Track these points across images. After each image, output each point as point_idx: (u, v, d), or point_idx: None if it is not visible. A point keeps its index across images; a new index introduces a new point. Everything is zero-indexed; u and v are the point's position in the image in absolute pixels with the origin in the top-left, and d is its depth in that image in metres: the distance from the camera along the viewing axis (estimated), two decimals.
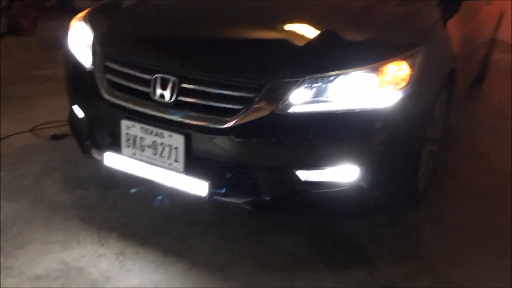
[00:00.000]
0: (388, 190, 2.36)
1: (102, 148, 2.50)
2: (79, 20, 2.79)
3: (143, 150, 2.29)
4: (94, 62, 2.48)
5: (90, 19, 2.71)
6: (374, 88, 2.15)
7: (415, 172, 2.53)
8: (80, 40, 2.66)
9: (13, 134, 3.39)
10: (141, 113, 2.27)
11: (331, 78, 2.13)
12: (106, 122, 2.47)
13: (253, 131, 2.13)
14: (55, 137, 3.43)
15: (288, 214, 2.57)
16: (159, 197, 2.71)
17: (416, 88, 2.22)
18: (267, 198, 2.22)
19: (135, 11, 2.71)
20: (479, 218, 2.85)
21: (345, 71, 2.14)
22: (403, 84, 2.19)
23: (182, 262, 2.30)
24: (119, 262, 2.27)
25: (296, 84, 2.10)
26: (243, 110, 2.12)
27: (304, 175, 2.19)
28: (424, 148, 2.56)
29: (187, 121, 2.19)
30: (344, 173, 2.19)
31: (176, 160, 2.22)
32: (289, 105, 2.11)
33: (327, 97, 2.13)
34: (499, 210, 2.96)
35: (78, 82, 2.63)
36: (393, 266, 2.38)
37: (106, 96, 2.38)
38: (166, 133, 2.20)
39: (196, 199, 2.55)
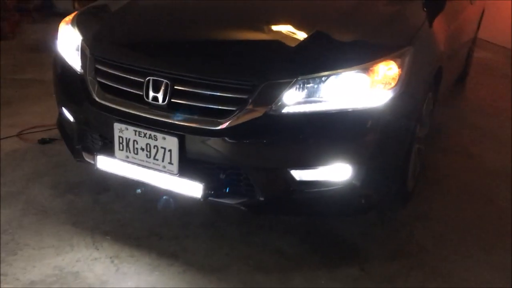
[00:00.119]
0: (380, 188, 2.40)
1: (93, 151, 2.49)
2: (67, 23, 2.78)
3: (136, 153, 2.28)
4: (84, 66, 2.47)
5: (78, 23, 2.70)
6: (365, 88, 2.18)
7: (405, 170, 2.58)
8: (68, 43, 2.65)
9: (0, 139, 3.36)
10: (134, 115, 2.26)
11: (323, 78, 2.16)
12: (98, 126, 2.46)
13: (247, 132, 2.14)
14: (43, 142, 3.40)
15: (283, 214, 2.59)
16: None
17: (406, 87, 2.26)
18: (262, 199, 2.23)
19: (124, 14, 2.69)
20: (466, 214, 2.91)
21: (337, 71, 2.16)
22: (393, 83, 2.22)
23: (177, 264, 2.30)
24: (115, 265, 2.27)
25: (288, 84, 2.12)
26: (237, 112, 2.13)
27: (298, 175, 2.21)
28: (413, 146, 2.60)
29: (180, 123, 2.18)
30: (337, 172, 2.22)
31: (170, 163, 2.22)
32: (282, 106, 2.13)
33: (319, 97, 2.16)
34: (485, 205, 3.02)
35: (68, 86, 2.62)
36: (386, 263, 2.42)
37: (98, 99, 2.37)
38: (159, 135, 2.20)
39: (189, 201, 2.58)
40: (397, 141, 2.36)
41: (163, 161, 2.23)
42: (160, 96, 2.22)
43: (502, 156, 3.69)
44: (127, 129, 2.27)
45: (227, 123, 2.13)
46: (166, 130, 2.19)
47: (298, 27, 2.44)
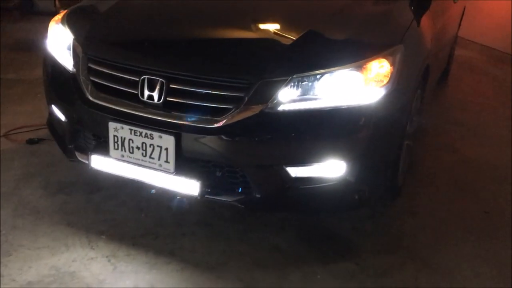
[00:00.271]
0: (373, 183, 2.44)
1: (87, 151, 2.48)
2: (57, 22, 2.76)
3: (132, 152, 2.29)
4: (76, 65, 2.46)
5: (68, 22, 2.69)
6: (358, 85, 2.22)
7: (396, 166, 2.63)
8: (59, 42, 2.64)
9: None
10: (129, 114, 2.26)
11: (318, 76, 2.19)
12: (92, 125, 2.45)
13: (243, 130, 2.16)
14: (31, 142, 3.37)
15: (279, 211, 2.62)
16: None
17: (397, 84, 2.31)
18: (258, 196, 2.25)
19: (117, 13, 2.68)
20: (454, 208, 2.98)
21: (331, 69, 2.20)
22: (385, 81, 2.26)
23: (175, 262, 2.31)
24: (111, 264, 2.27)
25: (284, 82, 2.15)
26: (233, 110, 2.15)
27: (293, 171, 2.24)
28: (404, 142, 2.65)
29: (177, 121, 2.19)
30: (332, 168, 2.25)
31: (166, 161, 2.23)
32: (278, 104, 2.15)
33: (314, 95, 2.19)
34: (471, 198, 3.10)
35: (60, 85, 2.60)
36: (380, 257, 2.46)
37: (91, 98, 2.36)
38: (156, 134, 2.20)
39: (184, 199, 2.59)
40: (389, 137, 2.40)
41: (159, 159, 2.24)
42: (155, 95, 2.22)
43: (487, 152, 3.78)
44: (122, 128, 2.27)
45: (223, 121, 2.15)
46: (162, 128, 2.20)
47: (292, 26, 2.47)
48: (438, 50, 3.45)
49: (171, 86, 2.21)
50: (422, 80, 2.80)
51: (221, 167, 2.27)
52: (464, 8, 5.17)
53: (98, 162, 2.41)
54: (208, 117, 2.17)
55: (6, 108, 3.91)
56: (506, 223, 2.85)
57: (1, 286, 2.11)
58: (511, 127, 4.28)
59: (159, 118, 2.21)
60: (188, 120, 2.18)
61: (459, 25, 5.19)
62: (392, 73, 2.29)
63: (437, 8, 3.25)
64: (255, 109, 2.15)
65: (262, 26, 2.52)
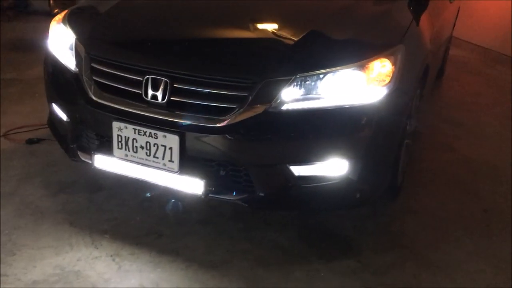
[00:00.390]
0: (374, 182, 2.46)
1: (90, 150, 2.48)
2: (58, 22, 2.75)
3: (135, 151, 2.29)
4: (79, 65, 2.46)
5: (69, 21, 2.68)
6: (361, 85, 2.24)
7: (397, 164, 2.65)
8: (60, 42, 2.64)
9: None
10: (133, 114, 2.27)
11: (321, 75, 2.21)
12: (95, 124, 2.46)
13: (247, 129, 2.17)
14: (31, 142, 3.36)
15: (282, 209, 2.64)
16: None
17: (399, 84, 2.33)
18: (262, 194, 2.27)
19: (119, 12, 2.68)
20: (453, 206, 3.01)
21: (334, 69, 2.22)
22: (387, 80, 2.29)
23: (179, 261, 2.32)
24: (116, 263, 2.28)
25: (287, 82, 2.17)
26: (237, 109, 2.16)
27: (296, 170, 2.26)
28: (404, 141, 2.68)
29: (181, 121, 2.21)
30: (334, 167, 2.28)
31: (170, 160, 2.24)
32: (282, 103, 2.17)
33: (317, 94, 2.21)
34: (470, 197, 3.13)
35: (62, 85, 2.60)
36: (381, 255, 2.49)
37: (95, 98, 2.37)
38: (160, 133, 2.21)
39: (185, 199, 2.60)
40: (391, 136, 2.43)
41: (163, 159, 2.25)
42: (159, 94, 2.23)
43: (485, 151, 3.81)
44: (126, 127, 2.27)
45: (227, 121, 2.16)
46: (166, 128, 2.21)
47: (294, 25, 2.49)
48: (436, 49, 3.48)
49: (175, 85, 2.22)
50: (422, 79, 2.83)
51: (225, 166, 2.29)
52: (459, 8, 5.21)
53: (102, 162, 2.42)
54: (212, 117, 2.18)
55: (4, 108, 3.89)
56: (505, 221, 2.89)
57: (7, 286, 2.11)
58: (510, 126, 4.32)
59: (163, 118, 2.23)
60: (193, 120, 2.20)
61: (454, 25, 5.23)
62: (393, 73, 2.31)
63: (434, 8, 3.28)
64: (259, 109, 2.16)
65: (265, 26, 2.53)
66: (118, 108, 2.31)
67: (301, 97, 2.20)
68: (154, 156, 2.27)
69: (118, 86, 2.34)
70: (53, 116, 2.78)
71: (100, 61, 2.40)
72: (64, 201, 2.72)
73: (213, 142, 2.20)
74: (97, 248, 2.37)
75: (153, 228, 2.55)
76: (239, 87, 2.18)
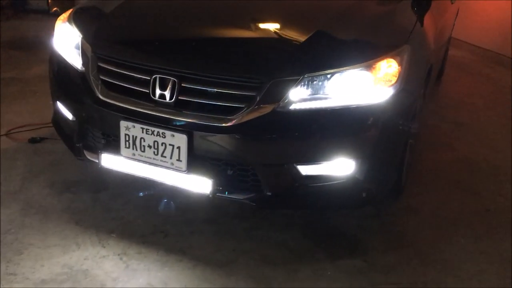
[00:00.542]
0: (380, 181, 2.48)
1: (96, 150, 2.49)
2: (64, 21, 2.75)
3: (143, 150, 2.30)
4: (85, 64, 2.46)
5: (75, 20, 2.69)
6: (368, 85, 2.25)
7: (401, 164, 2.67)
8: (66, 41, 2.64)
9: None
10: (141, 113, 2.27)
11: (328, 75, 2.22)
12: (102, 124, 2.46)
13: (255, 129, 2.18)
14: (33, 141, 3.35)
15: (289, 208, 2.66)
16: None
17: (405, 84, 2.35)
18: (269, 194, 2.28)
19: (125, 11, 2.68)
20: (455, 206, 3.03)
21: (341, 69, 2.23)
22: (393, 80, 2.30)
23: (186, 260, 2.33)
24: (124, 262, 2.28)
25: (295, 82, 2.18)
26: (245, 109, 2.17)
27: (304, 170, 2.27)
28: (409, 141, 2.70)
29: (189, 120, 2.21)
30: (341, 166, 2.29)
31: (178, 160, 2.24)
32: (289, 103, 2.18)
33: (324, 94, 2.22)
34: (472, 197, 3.15)
35: (68, 84, 2.60)
36: (386, 254, 2.51)
37: (102, 97, 2.37)
38: (168, 132, 2.22)
39: (190, 198, 2.61)
40: (397, 136, 2.44)
41: (171, 158, 2.26)
42: (167, 94, 2.23)
43: (485, 151, 3.83)
44: (134, 126, 2.28)
45: (235, 120, 2.17)
46: (174, 127, 2.21)
47: (301, 26, 2.51)
48: (438, 50, 3.50)
49: (183, 85, 2.23)
50: (426, 79, 2.85)
51: (233, 165, 2.29)
52: (458, 9, 5.24)
53: (108, 161, 2.42)
54: (220, 116, 2.19)
55: (5, 107, 3.88)
56: (507, 221, 2.91)
57: (15, 285, 2.11)
58: (510, 126, 4.35)
59: (171, 117, 2.23)
60: (200, 119, 2.20)
61: (453, 25, 5.26)
62: (400, 73, 2.33)
63: (437, 9, 3.30)
64: (267, 108, 2.17)
65: (272, 26, 2.54)
66: (125, 107, 2.31)
67: (309, 97, 2.21)
68: (161, 155, 2.27)
69: (125, 85, 2.34)
70: (58, 115, 2.78)
71: (107, 60, 2.40)
72: (69, 200, 2.73)
73: (221, 142, 2.21)
74: (104, 247, 2.37)
75: (159, 227, 2.55)
76: (247, 87, 2.19)
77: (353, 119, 2.25)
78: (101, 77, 2.40)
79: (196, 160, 2.26)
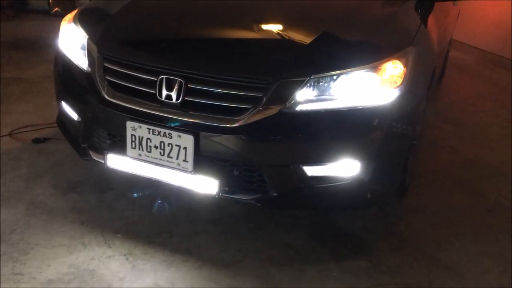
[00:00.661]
0: (385, 182, 2.49)
1: (102, 150, 2.49)
2: (69, 21, 2.76)
3: (149, 151, 2.30)
4: (91, 64, 2.47)
5: (81, 21, 2.69)
6: (373, 86, 2.26)
7: (406, 165, 2.68)
8: (72, 42, 2.64)
9: None
10: (147, 114, 2.28)
11: (334, 77, 2.23)
12: (108, 124, 2.46)
13: (262, 129, 2.19)
14: (37, 141, 3.36)
15: (294, 209, 2.66)
16: (159, 201, 2.73)
17: (410, 86, 2.36)
18: (275, 194, 2.29)
19: (131, 12, 2.69)
20: (458, 207, 3.05)
21: (347, 70, 2.24)
22: (399, 82, 2.31)
23: (192, 260, 2.34)
24: (130, 262, 2.29)
25: (302, 83, 2.19)
26: (251, 110, 2.18)
27: (310, 170, 2.28)
28: (413, 142, 2.71)
29: (195, 121, 2.21)
30: (347, 167, 2.30)
31: (185, 160, 2.25)
32: (296, 104, 2.19)
33: (330, 95, 2.23)
34: (474, 198, 3.17)
35: (73, 84, 2.60)
36: (391, 255, 2.52)
37: (108, 97, 2.37)
38: (174, 133, 2.22)
39: (193, 198, 2.61)
40: (402, 138, 2.45)
41: (177, 158, 2.26)
42: (173, 94, 2.24)
43: (487, 152, 3.85)
44: (140, 127, 2.28)
45: (242, 121, 2.18)
46: (181, 128, 2.22)
47: (306, 27, 2.52)
48: (440, 51, 3.52)
49: (189, 86, 2.23)
50: (430, 81, 2.86)
51: (239, 166, 2.30)
52: (459, 11, 5.26)
53: (114, 161, 2.42)
54: (227, 117, 2.19)
55: (7, 107, 3.89)
56: (509, 221, 2.92)
57: (22, 285, 2.11)
58: (510, 128, 4.36)
59: (178, 118, 2.23)
60: (207, 120, 2.21)
61: (454, 27, 5.28)
62: (405, 74, 2.34)
63: (439, 11, 3.31)
64: (274, 109, 2.18)
65: (279, 27, 2.54)
66: (131, 108, 2.31)
67: (315, 98, 2.22)
68: (168, 156, 2.28)
69: (131, 86, 2.35)
70: (62, 116, 2.78)
71: (113, 61, 2.40)
72: (74, 200, 2.73)
73: (227, 142, 2.22)
74: (110, 247, 2.38)
75: (164, 227, 2.56)
76: (253, 88, 2.20)
77: (359, 120, 2.26)
78: (107, 77, 2.40)
79: (203, 161, 2.27)
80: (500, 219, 2.95)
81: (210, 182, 2.26)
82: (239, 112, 2.20)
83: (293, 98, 2.18)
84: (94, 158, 2.54)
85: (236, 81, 2.20)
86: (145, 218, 2.62)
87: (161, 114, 2.26)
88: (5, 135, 3.41)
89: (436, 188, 3.24)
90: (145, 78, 2.32)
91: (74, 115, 2.62)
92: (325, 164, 2.29)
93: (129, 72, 2.36)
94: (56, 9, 7.06)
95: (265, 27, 2.57)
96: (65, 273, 2.19)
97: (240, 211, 2.72)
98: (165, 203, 2.74)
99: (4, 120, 3.62)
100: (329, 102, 2.23)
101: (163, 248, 2.40)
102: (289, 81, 2.18)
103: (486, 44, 6.84)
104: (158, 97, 2.27)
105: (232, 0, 2.78)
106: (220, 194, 2.28)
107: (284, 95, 2.18)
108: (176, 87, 2.23)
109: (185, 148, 2.23)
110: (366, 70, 2.26)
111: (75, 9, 2.96)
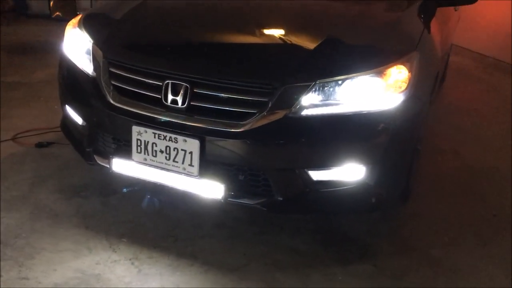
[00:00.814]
0: (390, 186, 2.49)
1: (107, 154, 2.50)
2: (74, 26, 2.76)
3: (155, 155, 2.31)
4: (96, 69, 2.47)
5: (85, 26, 2.69)
6: (378, 91, 2.27)
7: (410, 169, 2.69)
8: (76, 46, 2.65)
9: None
10: (153, 118, 2.29)
11: (339, 82, 2.24)
12: (113, 129, 2.47)
13: (267, 134, 2.20)
14: (40, 145, 3.36)
15: (300, 213, 2.67)
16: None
17: (415, 90, 2.37)
18: (280, 199, 2.30)
19: (136, 17, 2.70)
20: (462, 211, 3.05)
21: (352, 75, 2.25)
22: (403, 87, 2.32)
23: (197, 264, 2.34)
24: (135, 267, 2.29)
25: (307, 88, 2.20)
26: (257, 114, 2.19)
27: (315, 175, 2.29)
28: (417, 147, 2.72)
29: (201, 125, 2.22)
30: (352, 172, 2.31)
31: (190, 165, 2.25)
32: (301, 109, 2.20)
33: (335, 100, 2.23)
34: (477, 202, 3.18)
35: (78, 89, 2.60)
36: (396, 259, 2.52)
37: (113, 102, 2.37)
38: (180, 138, 2.23)
39: (199, 203, 2.62)
40: (406, 142, 2.46)
41: (183, 163, 2.27)
42: (179, 99, 2.25)
43: (488, 156, 3.86)
44: (146, 131, 2.29)
45: (247, 126, 2.18)
46: (187, 132, 2.23)
47: (311, 32, 2.53)
48: (443, 56, 3.53)
49: (195, 90, 2.24)
50: (434, 86, 2.87)
51: (244, 170, 2.31)
52: (459, 16, 5.28)
53: (120, 166, 2.43)
54: (233, 122, 2.20)
55: (10, 111, 3.89)
56: None
57: None
58: (510, 132, 4.38)
59: (184, 122, 2.24)
60: (213, 124, 2.21)
61: (455, 32, 5.30)
62: (410, 79, 2.35)
63: (441, 16, 3.33)
64: (279, 114, 2.19)
65: (284, 32, 2.56)
66: (137, 113, 2.32)
67: (320, 103, 2.23)
68: (173, 160, 2.28)
69: (137, 90, 2.35)
70: (67, 120, 2.79)
71: (119, 65, 2.41)
72: (78, 205, 2.73)
73: (233, 147, 2.23)
74: (115, 251, 2.38)
75: (169, 231, 2.56)
76: (259, 93, 2.20)
77: (364, 125, 2.27)
78: (113, 82, 2.41)
79: (208, 165, 2.27)
80: (504, 223, 2.95)
81: (215, 186, 2.27)
82: (244, 116, 2.20)
83: (299, 103, 2.19)
84: (99, 162, 2.55)
85: (242, 86, 2.21)
86: (149, 222, 2.62)
87: (166, 118, 2.27)
88: (8, 140, 3.40)
89: (440, 192, 3.25)
90: (151, 83, 2.33)
91: (78, 120, 2.63)
92: (330, 169, 2.29)
93: (134, 77, 2.37)
94: (57, 13, 7.07)
95: (270, 32, 2.59)
96: (70, 278, 2.19)
97: (245, 215, 2.73)
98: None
99: (6, 125, 3.62)
100: (334, 107, 2.24)
101: (168, 252, 2.40)
102: (294, 86, 2.19)
103: (486, 49, 6.87)
104: (164, 101, 2.28)
105: (237, 5, 2.79)
106: (226, 198, 2.28)
107: (290, 100, 2.19)
108: (181, 91, 2.24)
109: (190, 152, 2.24)
110: (371, 75, 2.27)
111: (75, 13, 2.97)
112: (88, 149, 2.59)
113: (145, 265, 2.31)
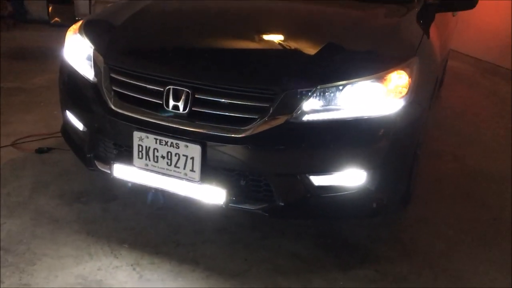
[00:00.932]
0: (391, 191, 2.50)
1: (109, 160, 2.50)
2: (75, 32, 2.77)
3: (156, 161, 2.31)
4: (97, 75, 2.48)
5: (86, 31, 2.70)
6: (379, 96, 2.28)
7: (410, 174, 2.70)
8: (77, 52, 2.65)
9: None
10: (154, 124, 2.29)
11: (340, 87, 2.25)
12: (115, 134, 2.47)
13: (269, 139, 2.20)
14: (41, 151, 3.36)
15: (301, 218, 2.67)
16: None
17: (415, 96, 2.38)
18: (281, 204, 2.30)
19: (137, 23, 2.71)
20: (462, 215, 3.05)
21: (353, 80, 2.26)
22: (404, 92, 2.33)
23: (199, 270, 2.34)
24: (137, 273, 2.29)
25: (309, 93, 2.20)
26: (258, 120, 2.19)
27: (316, 180, 2.29)
28: (417, 152, 2.73)
29: (203, 131, 2.23)
30: (353, 177, 2.31)
31: (192, 170, 2.26)
32: (302, 114, 2.20)
33: (336, 105, 2.24)
34: (478, 206, 3.18)
35: (79, 95, 2.61)
36: (397, 264, 2.52)
37: (115, 108, 2.38)
38: (182, 143, 2.23)
39: (200, 208, 2.62)
40: (407, 147, 2.47)
41: (184, 168, 2.27)
42: (180, 105, 2.25)
43: (488, 160, 3.87)
44: (147, 137, 2.29)
45: (249, 131, 2.19)
46: (188, 138, 2.23)
47: (312, 38, 2.53)
48: (442, 61, 3.55)
49: (196, 96, 2.25)
50: (433, 90, 2.88)
51: (246, 176, 2.31)
52: (457, 21, 5.30)
53: (121, 171, 2.43)
54: (234, 127, 2.21)
55: (10, 117, 3.90)
56: None
57: None
58: (510, 137, 4.39)
59: (185, 128, 2.25)
60: (214, 130, 2.22)
61: (453, 37, 5.32)
62: (410, 85, 2.36)
63: (440, 21, 3.35)
64: (281, 119, 2.19)
65: (285, 38, 2.56)
66: (138, 118, 2.33)
67: (321, 108, 2.23)
68: (175, 166, 2.28)
69: (138, 96, 2.36)
70: (67, 125, 2.79)
71: (120, 71, 2.41)
72: (79, 210, 2.73)
73: (234, 152, 2.23)
74: (117, 257, 2.38)
75: (170, 237, 2.56)
76: (260, 98, 2.21)
77: (364, 130, 2.27)
78: (114, 88, 2.42)
79: (210, 171, 2.27)
80: (506, 228, 2.95)
81: (217, 192, 2.27)
82: (246, 122, 2.21)
83: (300, 108, 2.20)
84: (100, 168, 2.55)
85: (243, 91, 2.21)
86: (151, 228, 2.62)
87: (168, 124, 2.27)
88: (8, 145, 3.41)
89: (440, 196, 3.26)
90: (152, 88, 2.33)
91: (79, 125, 2.63)
92: (332, 174, 2.30)
93: (136, 83, 2.37)
94: (56, 19, 7.08)
95: (271, 38, 2.59)
96: (72, 284, 2.19)
97: (246, 221, 2.73)
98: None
99: (6, 130, 3.63)
100: (335, 112, 2.24)
101: (170, 258, 2.40)
102: (295, 92, 2.20)
103: (484, 54, 6.89)
104: (165, 107, 2.28)
105: (238, 11, 2.80)
106: (227, 204, 2.28)
107: (291, 105, 2.20)
108: (183, 97, 2.25)
109: (192, 158, 2.24)
110: (372, 80, 2.28)
111: (74, 19, 2.98)
112: (89, 155, 2.59)
113: (147, 271, 2.30)
